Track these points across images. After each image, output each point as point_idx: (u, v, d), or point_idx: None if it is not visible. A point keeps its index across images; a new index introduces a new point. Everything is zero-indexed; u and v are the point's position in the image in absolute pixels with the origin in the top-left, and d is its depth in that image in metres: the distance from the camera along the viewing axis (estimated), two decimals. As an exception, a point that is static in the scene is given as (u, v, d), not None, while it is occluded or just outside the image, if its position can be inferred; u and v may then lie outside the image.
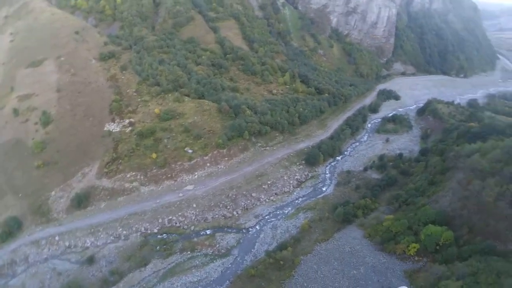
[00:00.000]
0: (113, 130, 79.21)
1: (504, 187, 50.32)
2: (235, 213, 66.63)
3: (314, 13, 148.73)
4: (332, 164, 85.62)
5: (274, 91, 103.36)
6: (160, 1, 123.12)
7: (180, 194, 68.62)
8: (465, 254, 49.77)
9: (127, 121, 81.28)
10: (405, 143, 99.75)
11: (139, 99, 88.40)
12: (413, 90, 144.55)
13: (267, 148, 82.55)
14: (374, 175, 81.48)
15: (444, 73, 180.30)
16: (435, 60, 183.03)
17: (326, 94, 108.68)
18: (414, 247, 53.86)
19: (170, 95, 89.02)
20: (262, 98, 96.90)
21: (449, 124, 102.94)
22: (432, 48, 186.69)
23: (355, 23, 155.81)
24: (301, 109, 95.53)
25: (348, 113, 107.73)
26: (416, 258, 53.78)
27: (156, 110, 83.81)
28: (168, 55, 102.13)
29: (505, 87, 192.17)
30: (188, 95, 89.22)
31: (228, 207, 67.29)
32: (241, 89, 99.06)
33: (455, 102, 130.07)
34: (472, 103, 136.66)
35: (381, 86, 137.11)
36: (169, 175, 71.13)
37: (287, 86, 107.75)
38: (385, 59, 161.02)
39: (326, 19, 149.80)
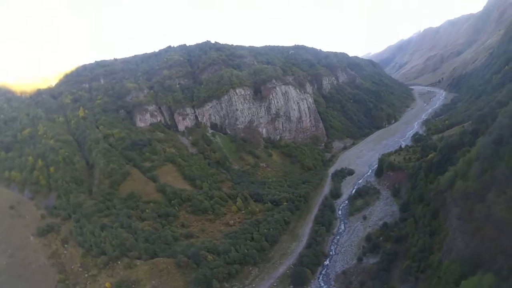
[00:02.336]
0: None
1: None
2: None
3: (243, 131, 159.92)
4: (323, 272, 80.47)
5: (231, 222, 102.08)
6: (94, 162, 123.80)
7: None
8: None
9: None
10: (383, 210, 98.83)
11: (86, 275, 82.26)
12: (361, 158, 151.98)
13: (245, 289, 76.57)
14: (372, 260, 77.06)
15: (378, 128, 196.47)
16: (364, 122, 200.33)
17: (285, 203, 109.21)
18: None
19: (119, 262, 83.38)
20: (221, 235, 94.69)
21: (410, 168, 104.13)
22: (357, 114, 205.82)
23: (282, 125, 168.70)
24: (265, 230, 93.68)
25: (314, 211, 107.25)
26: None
27: (107, 284, 77.40)
28: (110, 218, 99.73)
29: (432, 107, 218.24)
30: (139, 258, 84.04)
31: None
32: (195, 233, 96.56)
33: (402, 146, 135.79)
34: (416, 137, 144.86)
35: (331, 170, 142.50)
36: None
37: (243, 212, 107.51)
38: (323, 144, 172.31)
39: (256, 132, 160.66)
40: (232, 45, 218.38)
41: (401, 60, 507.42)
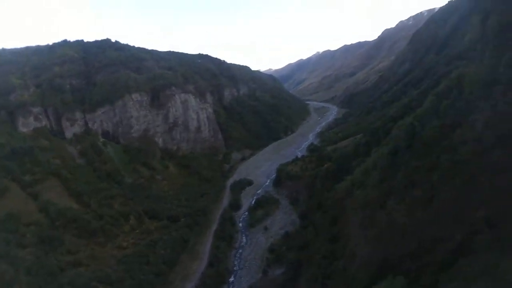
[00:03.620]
0: None
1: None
2: None
3: (138, 141, 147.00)
4: (229, 291, 76.34)
5: (125, 244, 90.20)
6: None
7: None
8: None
9: None
10: (283, 220, 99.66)
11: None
12: (260, 168, 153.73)
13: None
14: (277, 271, 75.76)
15: (276, 139, 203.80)
16: (262, 133, 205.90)
17: (182, 219, 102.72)
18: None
19: (-3, 302, 65.63)
20: (114, 261, 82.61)
21: (308, 177, 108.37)
22: (256, 125, 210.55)
23: (180, 135, 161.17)
24: (162, 251, 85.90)
25: (214, 226, 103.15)
26: None
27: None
28: (-17, 245, 78.14)
29: (325, 120, 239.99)
30: (21, 293, 67.49)
31: None
32: (84, 260, 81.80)
33: (299, 156, 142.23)
34: (312, 148, 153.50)
35: (230, 181, 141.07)
36: None
37: (137, 231, 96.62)
38: (221, 155, 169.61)
39: (151, 142, 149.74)
40: (134, 46, 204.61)
41: (299, 77, 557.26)
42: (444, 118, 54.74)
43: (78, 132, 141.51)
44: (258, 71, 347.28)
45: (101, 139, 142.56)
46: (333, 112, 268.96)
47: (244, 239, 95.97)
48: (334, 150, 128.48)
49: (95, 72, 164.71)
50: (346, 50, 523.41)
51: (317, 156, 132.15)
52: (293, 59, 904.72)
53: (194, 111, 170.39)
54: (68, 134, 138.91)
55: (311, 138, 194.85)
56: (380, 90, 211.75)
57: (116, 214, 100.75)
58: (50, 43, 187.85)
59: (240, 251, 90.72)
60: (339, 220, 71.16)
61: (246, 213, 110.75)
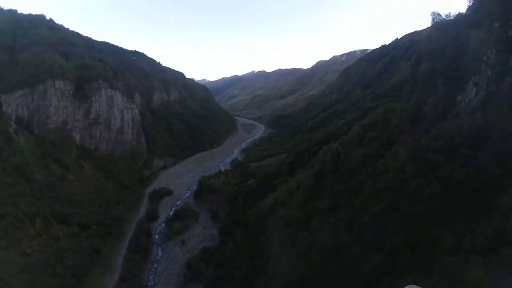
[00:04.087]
0: None
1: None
2: None
3: (54, 133, 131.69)
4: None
5: (29, 251, 78.87)
6: None
7: None
8: None
9: None
10: (202, 234, 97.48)
11: None
12: (181, 179, 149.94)
13: None
14: None
15: (201, 150, 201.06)
16: (188, 143, 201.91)
17: (94, 227, 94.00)
18: None
19: None
20: (16, 269, 71.74)
21: (229, 192, 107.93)
22: (182, 134, 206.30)
23: (100, 134, 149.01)
24: (70, 261, 77.34)
25: (129, 236, 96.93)
26: None
27: None
28: None
29: (251, 137, 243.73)
30: None
31: None
32: None
33: (222, 170, 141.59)
34: (236, 163, 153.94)
35: (149, 189, 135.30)
36: None
37: (43, 237, 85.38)
38: (142, 161, 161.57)
39: (68, 137, 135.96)
40: (68, 29, 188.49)
41: (232, 92, 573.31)
42: (368, 147, 59.00)
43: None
44: (192, 79, 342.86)
45: (14, 126, 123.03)
46: (259, 131, 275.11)
47: (160, 253, 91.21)
48: (258, 167, 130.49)
49: (21, 49, 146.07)
50: (281, 73, 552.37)
51: (241, 171, 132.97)
52: (228, 74, 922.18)
53: (119, 110, 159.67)
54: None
55: (236, 153, 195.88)
56: (307, 116, 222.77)
57: (21, 215, 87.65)
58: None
59: (156, 265, 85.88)
60: (261, 237, 71.60)
61: (164, 224, 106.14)
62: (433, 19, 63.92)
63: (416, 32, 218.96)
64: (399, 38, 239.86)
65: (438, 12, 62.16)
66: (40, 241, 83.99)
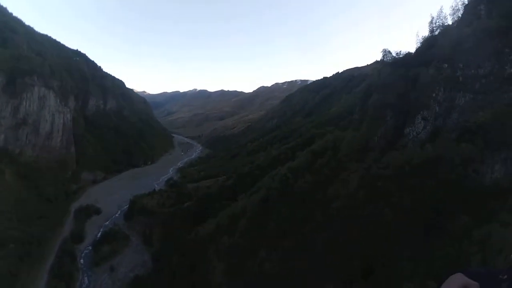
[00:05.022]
0: None
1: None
2: None
3: None
4: None
5: None
6: None
7: None
8: None
9: None
10: (133, 260, 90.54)
11: None
12: (112, 195, 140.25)
13: None
14: None
15: (134, 166, 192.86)
16: (121, 157, 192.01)
17: (12, 245, 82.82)
18: None
19: None
20: None
21: (164, 214, 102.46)
22: (115, 147, 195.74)
23: (27, 137, 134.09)
24: None
25: (51, 259, 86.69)
26: None
27: None
28: None
29: (188, 156, 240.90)
30: None
31: None
32: None
33: (156, 189, 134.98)
34: (171, 183, 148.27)
35: (75, 205, 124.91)
36: None
37: None
38: (70, 172, 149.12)
39: None
40: (12, 14, 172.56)
41: (171, 108, 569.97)
42: (317, 173, 59.18)
43: None
44: (131, 90, 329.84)
45: None
46: (197, 150, 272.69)
47: (86, 280, 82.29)
48: (195, 188, 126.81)
49: None
50: (222, 94, 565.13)
51: (177, 192, 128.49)
52: (169, 89, 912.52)
53: (50, 113, 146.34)
54: None
55: (171, 172, 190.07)
56: (246, 138, 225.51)
57: None
58: None
59: (79, 294, 77.45)
60: (200, 266, 67.57)
61: (90, 247, 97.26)
62: (383, 56, 67.98)
63: (356, 68, 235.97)
64: (339, 72, 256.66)
65: (389, 49, 66.37)
66: None
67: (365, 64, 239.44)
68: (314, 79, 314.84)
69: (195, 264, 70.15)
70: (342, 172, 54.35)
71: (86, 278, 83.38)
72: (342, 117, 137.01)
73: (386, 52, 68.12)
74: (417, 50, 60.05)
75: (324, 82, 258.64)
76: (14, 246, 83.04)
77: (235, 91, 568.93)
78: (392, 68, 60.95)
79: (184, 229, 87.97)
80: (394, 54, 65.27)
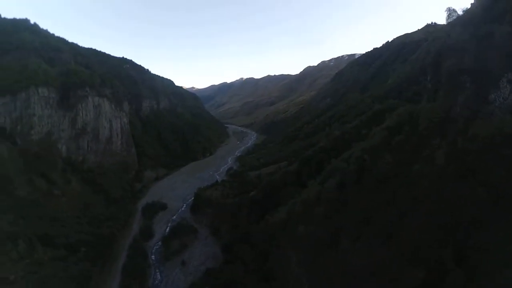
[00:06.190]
0: None
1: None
2: None
3: (38, 145, 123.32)
4: None
5: (12, 278, 70.48)
6: None
7: None
8: None
9: None
10: (203, 253, 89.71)
11: None
12: (175, 190, 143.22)
13: None
14: None
15: (193, 159, 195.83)
16: (180, 152, 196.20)
17: (83, 249, 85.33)
18: None
19: None
20: None
21: (229, 205, 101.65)
22: (173, 143, 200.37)
23: (88, 145, 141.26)
24: None
25: (122, 258, 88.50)
26: None
27: None
28: None
29: (244, 145, 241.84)
30: None
31: None
32: None
33: (219, 181, 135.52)
34: (231, 173, 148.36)
35: (142, 203, 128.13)
36: None
37: (27, 261, 76.84)
38: (133, 173, 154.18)
39: (54, 149, 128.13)
40: (53, 34, 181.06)
41: (221, 100, 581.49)
42: (397, 153, 53.60)
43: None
44: (181, 87, 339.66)
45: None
46: (252, 138, 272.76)
47: (158, 276, 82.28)
48: (257, 176, 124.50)
49: (3, 54, 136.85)
50: (269, 80, 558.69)
51: (239, 181, 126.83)
52: (217, 81, 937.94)
53: (107, 119, 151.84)
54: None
55: (230, 161, 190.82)
56: (300, 121, 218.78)
57: (3, 235, 79.08)
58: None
59: (155, 290, 77.34)
60: (272, 256, 65.22)
61: (160, 243, 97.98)
62: (448, 16, 60.35)
63: (407, 35, 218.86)
64: (389, 41, 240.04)
65: (454, 8, 58.76)
66: (24, 266, 74.93)
67: (416, 29, 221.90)
68: (362, 52, 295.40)
69: (267, 254, 68.04)
70: (425, 149, 48.45)
71: (158, 273, 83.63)
72: (402, 88, 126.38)
73: (450, 11, 60.19)
74: (482, 4, 51.85)
75: (374, 53, 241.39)
76: (86, 249, 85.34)
77: (282, 74, 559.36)
78: (462, 28, 53.14)
79: (252, 219, 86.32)
80: (460, 13, 57.36)
